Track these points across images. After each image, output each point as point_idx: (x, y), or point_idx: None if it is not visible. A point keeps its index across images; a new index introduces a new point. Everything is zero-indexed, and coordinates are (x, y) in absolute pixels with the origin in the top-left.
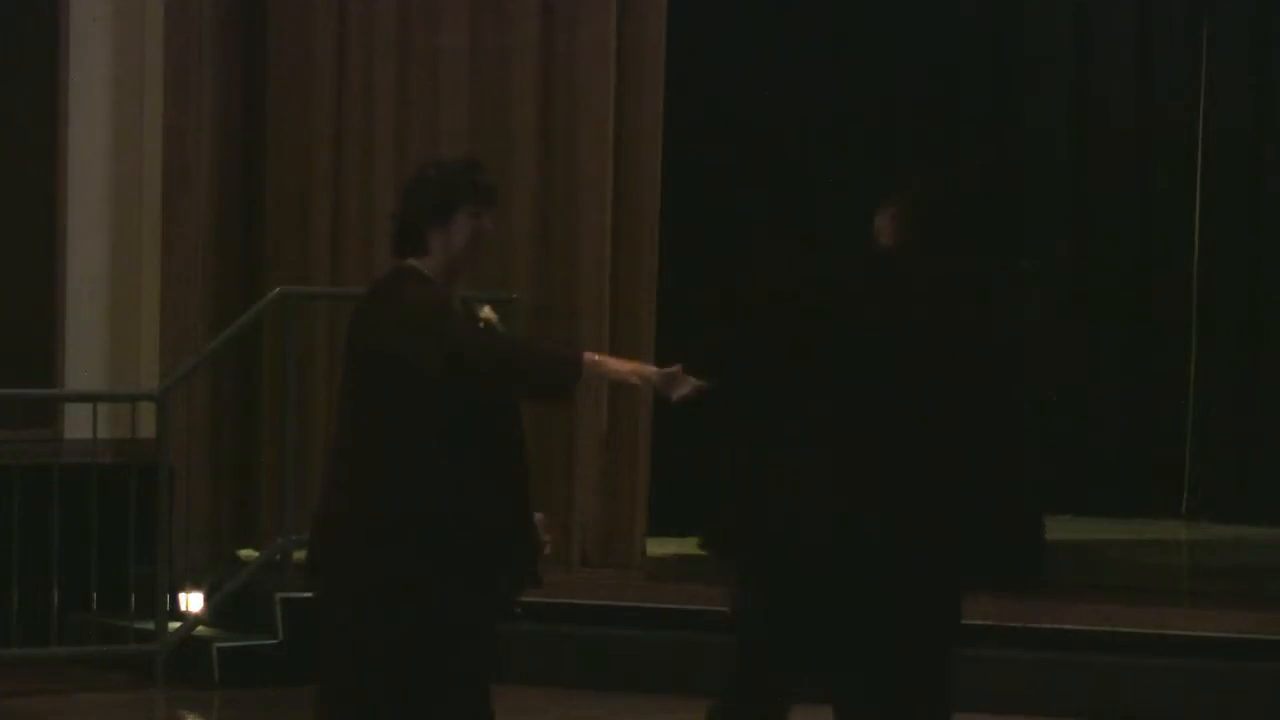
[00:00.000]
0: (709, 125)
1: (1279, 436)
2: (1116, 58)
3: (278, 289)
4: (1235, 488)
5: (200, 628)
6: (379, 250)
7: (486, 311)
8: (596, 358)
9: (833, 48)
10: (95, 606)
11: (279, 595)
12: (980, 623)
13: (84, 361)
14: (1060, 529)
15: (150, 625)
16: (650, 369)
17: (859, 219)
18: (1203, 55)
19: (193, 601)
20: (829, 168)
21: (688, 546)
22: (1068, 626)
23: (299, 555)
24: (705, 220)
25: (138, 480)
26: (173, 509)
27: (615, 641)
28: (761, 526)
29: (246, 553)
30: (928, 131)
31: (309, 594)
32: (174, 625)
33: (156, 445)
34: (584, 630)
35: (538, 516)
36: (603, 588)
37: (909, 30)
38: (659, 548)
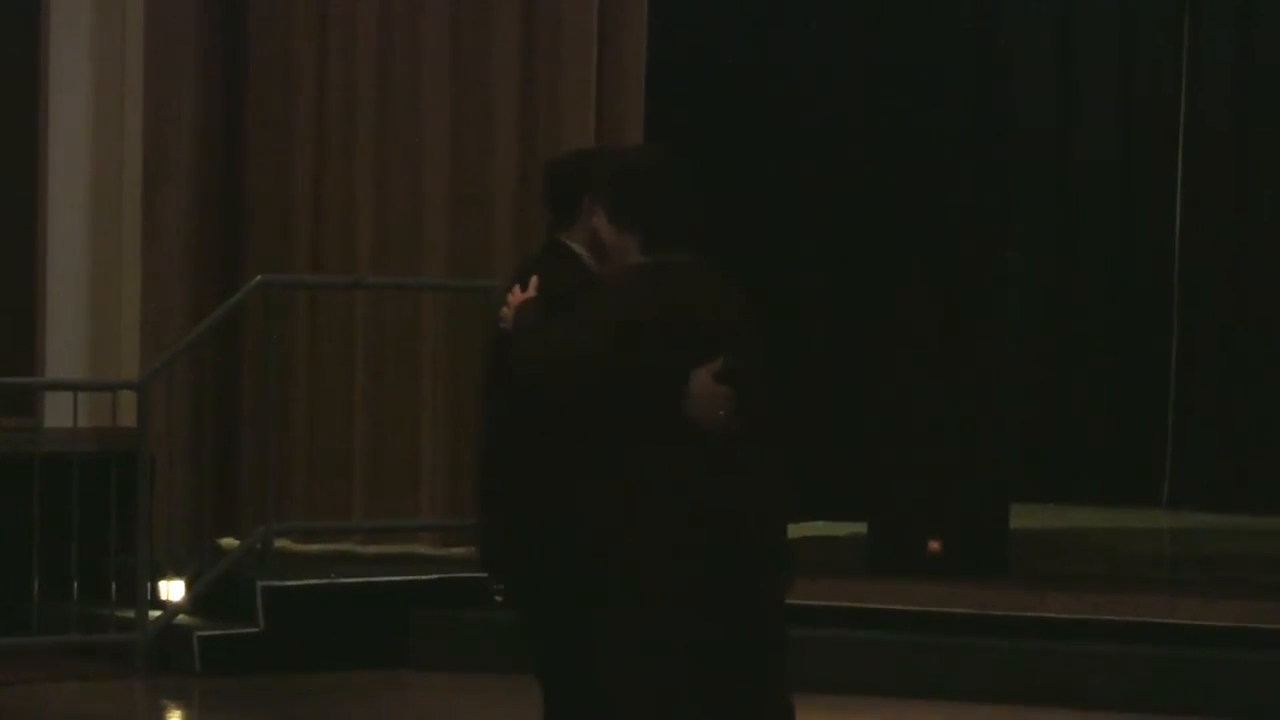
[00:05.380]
0: (693, 114)
1: (1261, 424)
2: (1099, 47)
3: (259, 277)
4: (1217, 476)
5: (181, 616)
6: (360, 239)
7: None
8: None
9: (821, 44)
10: (76, 595)
11: (260, 584)
12: (962, 611)
13: (64, 350)
14: (1042, 518)
15: (131, 614)
16: None
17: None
18: (1184, 45)
19: (174, 590)
20: (818, 162)
21: None
22: (1050, 615)
23: (280, 544)
24: None
25: (118, 469)
26: (154, 498)
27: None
28: None
29: (228, 541)
30: (919, 130)
31: (290, 583)
32: (155, 614)
33: (137, 434)
34: None
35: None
36: None
37: (897, 29)
38: None
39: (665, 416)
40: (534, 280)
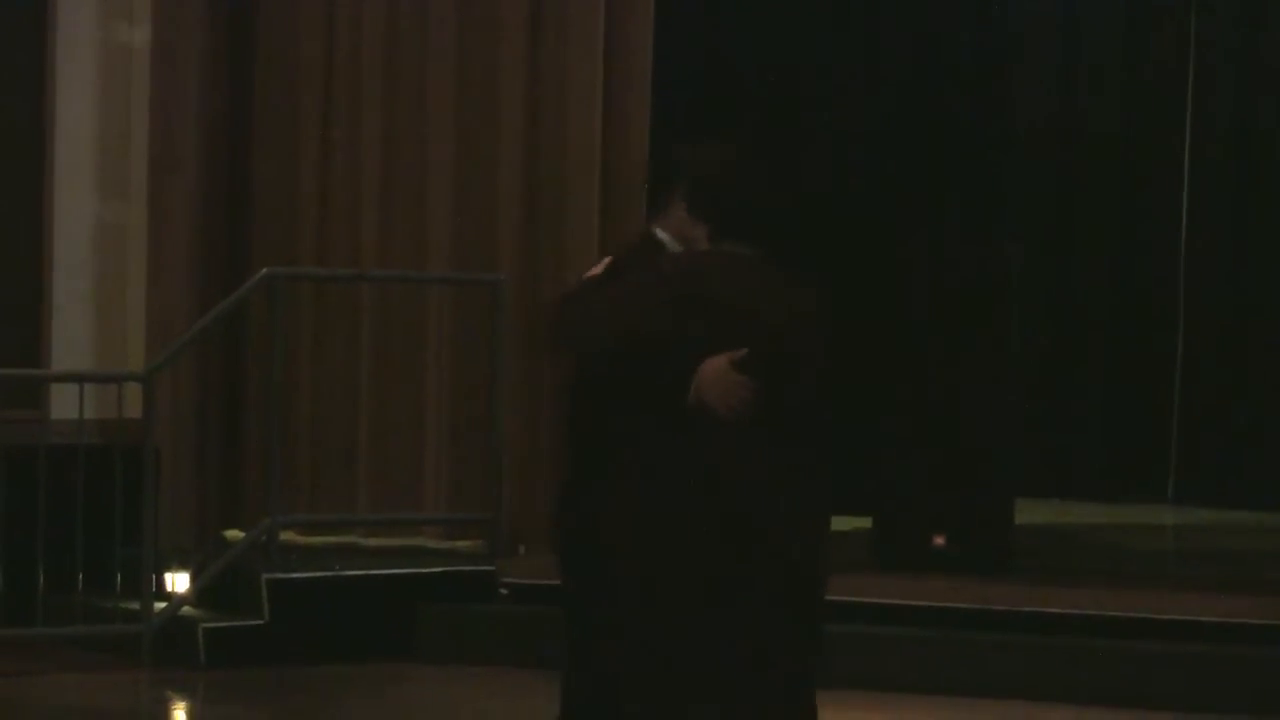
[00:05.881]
0: (698, 112)
1: (1266, 420)
2: (1104, 41)
3: (264, 270)
4: (1222, 472)
5: (186, 608)
6: (365, 232)
7: None
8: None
9: (823, 35)
10: (81, 587)
11: (265, 576)
12: (965, 606)
13: (70, 342)
14: (1046, 513)
15: (136, 606)
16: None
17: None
18: (1190, 41)
19: (179, 582)
20: (819, 159)
21: None
22: (1053, 610)
23: (285, 536)
24: None
25: (124, 461)
26: (159, 490)
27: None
28: None
29: (233, 533)
30: (921, 129)
31: (294, 575)
32: (160, 606)
33: (143, 426)
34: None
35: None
36: None
37: (901, 27)
38: None
39: (669, 399)
40: (608, 259)
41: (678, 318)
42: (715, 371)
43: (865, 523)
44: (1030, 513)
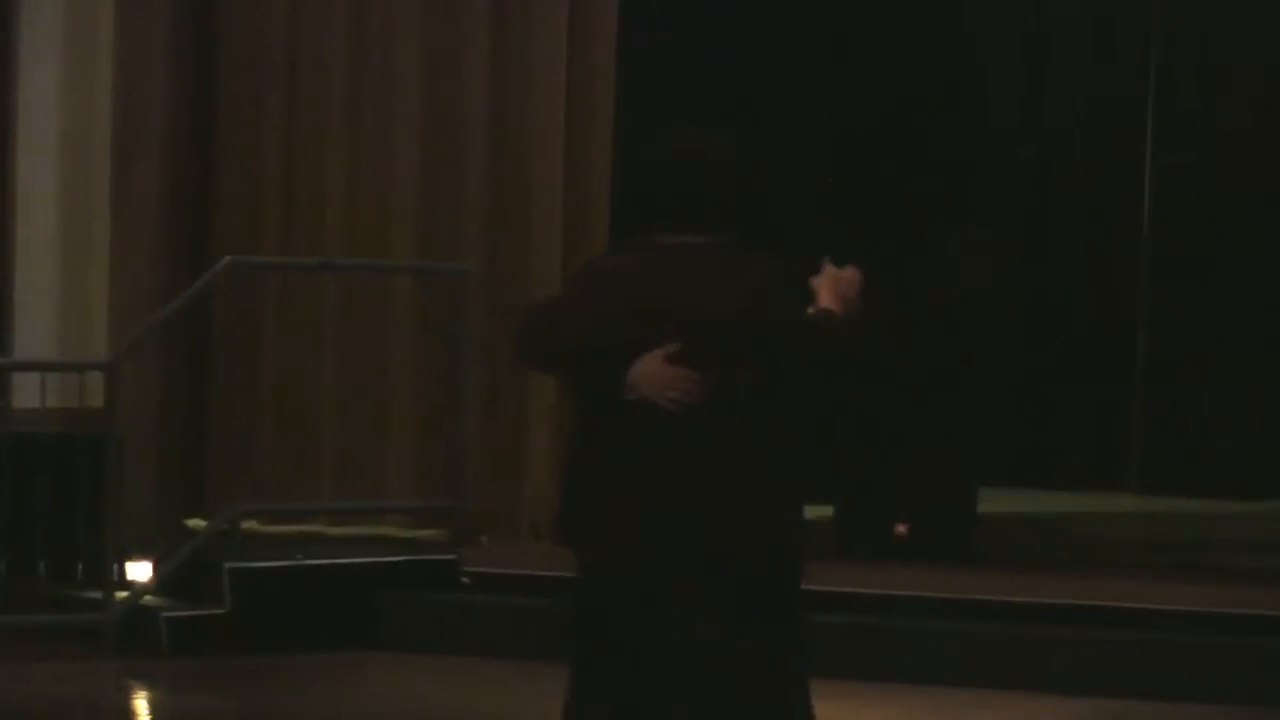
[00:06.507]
0: (663, 97)
1: (1230, 409)
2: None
3: (227, 258)
4: (1185, 460)
5: (148, 597)
6: (329, 220)
7: None
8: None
9: (792, 30)
10: (43, 576)
11: (227, 565)
12: (928, 595)
13: (33, 331)
14: (1009, 502)
15: (98, 595)
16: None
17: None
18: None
19: (141, 571)
20: (788, 151)
21: None
22: (1016, 599)
23: (248, 525)
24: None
25: (86, 450)
26: (121, 478)
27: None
28: None
29: (195, 522)
30: (890, 124)
31: (257, 564)
32: (122, 595)
33: (105, 415)
34: (535, 602)
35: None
36: (554, 559)
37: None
38: None
39: (606, 394)
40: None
41: (615, 317)
42: (650, 365)
43: (827, 511)
44: (993, 502)
